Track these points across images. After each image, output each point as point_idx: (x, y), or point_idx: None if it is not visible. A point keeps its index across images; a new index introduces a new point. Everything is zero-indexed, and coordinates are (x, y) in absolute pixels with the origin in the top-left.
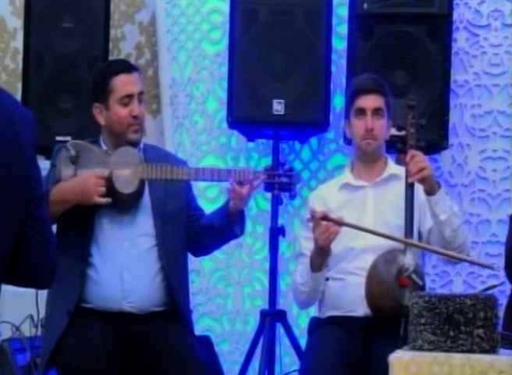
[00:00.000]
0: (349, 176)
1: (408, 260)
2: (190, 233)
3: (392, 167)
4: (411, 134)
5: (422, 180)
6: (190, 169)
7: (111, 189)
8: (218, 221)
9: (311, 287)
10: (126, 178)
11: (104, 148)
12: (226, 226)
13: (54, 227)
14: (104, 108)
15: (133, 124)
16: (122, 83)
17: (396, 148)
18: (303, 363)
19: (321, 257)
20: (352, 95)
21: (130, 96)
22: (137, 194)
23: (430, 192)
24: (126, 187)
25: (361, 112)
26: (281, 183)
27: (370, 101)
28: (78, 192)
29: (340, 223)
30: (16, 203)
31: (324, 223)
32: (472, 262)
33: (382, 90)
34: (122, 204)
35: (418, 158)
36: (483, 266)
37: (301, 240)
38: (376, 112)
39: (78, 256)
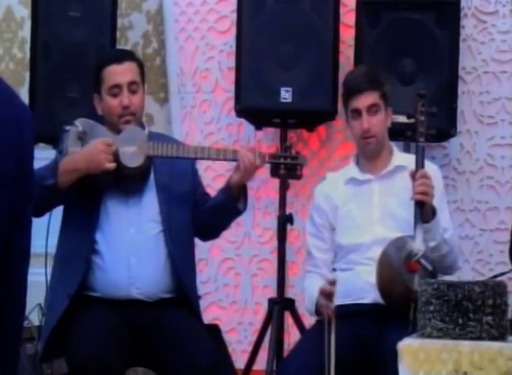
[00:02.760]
0: (354, 169)
1: (417, 245)
2: (196, 217)
3: (398, 157)
4: (421, 122)
5: (420, 203)
6: (196, 147)
7: (117, 165)
8: (221, 198)
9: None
10: (132, 153)
11: None
12: (229, 202)
13: (60, 215)
14: (100, 98)
15: (123, 115)
16: (110, 74)
17: (406, 136)
18: (300, 339)
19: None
20: (346, 97)
21: (118, 86)
22: (143, 170)
23: (424, 220)
24: (132, 161)
25: (356, 112)
26: (287, 164)
27: (363, 101)
28: (88, 159)
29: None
30: (20, 199)
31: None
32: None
33: (374, 84)
34: (129, 180)
35: (425, 181)
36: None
37: (307, 236)
38: (371, 109)
39: (83, 242)
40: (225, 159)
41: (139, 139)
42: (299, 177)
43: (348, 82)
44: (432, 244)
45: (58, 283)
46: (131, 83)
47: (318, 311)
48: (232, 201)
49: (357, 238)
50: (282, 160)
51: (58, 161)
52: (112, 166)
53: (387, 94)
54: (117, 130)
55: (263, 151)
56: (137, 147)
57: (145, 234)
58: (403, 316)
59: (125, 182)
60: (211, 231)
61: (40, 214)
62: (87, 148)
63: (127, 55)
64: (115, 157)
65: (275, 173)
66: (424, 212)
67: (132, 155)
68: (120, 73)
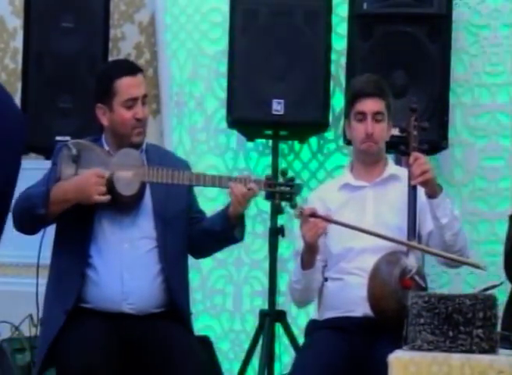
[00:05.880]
0: (349, 176)
1: (411, 262)
2: (190, 235)
3: (393, 167)
4: (414, 137)
5: (424, 183)
6: (192, 174)
7: (111, 190)
8: (218, 225)
9: (304, 284)
10: (127, 180)
11: (107, 148)
12: (226, 230)
13: (53, 227)
14: (108, 109)
15: (136, 127)
16: (127, 86)
17: (399, 150)
18: (298, 356)
19: (310, 254)
20: (352, 98)
21: (135, 99)
22: (138, 197)
23: (432, 195)
24: (126, 189)
25: (362, 115)
26: (282, 193)
27: (370, 105)
28: (78, 191)
29: (328, 220)
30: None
31: (312, 219)
32: (462, 262)
33: (382, 93)
34: (123, 205)
35: (421, 161)
36: (473, 265)
37: (299, 239)
38: (376, 116)
39: (78, 256)
40: (220, 186)
41: (135, 164)
42: (294, 206)
43: (357, 85)
44: (444, 221)
45: (54, 297)
46: (144, 96)
47: (304, 264)
48: (230, 230)
49: (348, 243)
50: (277, 188)
51: (50, 189)
52: (102, 199)
53: (391, 107)
54: (122, 144)
55: (258, 178)
56: (133, 172)
57: (139, 250)
58: (395, 331)
59: (119, 205)
60: (204, 251)
61: (33, 234)
62: (79, 179)
63: (138, 67)
64: (110, 182)
65: (269, 197)
66: (430, 188)
67: (127, 182)
68: (136, 85)
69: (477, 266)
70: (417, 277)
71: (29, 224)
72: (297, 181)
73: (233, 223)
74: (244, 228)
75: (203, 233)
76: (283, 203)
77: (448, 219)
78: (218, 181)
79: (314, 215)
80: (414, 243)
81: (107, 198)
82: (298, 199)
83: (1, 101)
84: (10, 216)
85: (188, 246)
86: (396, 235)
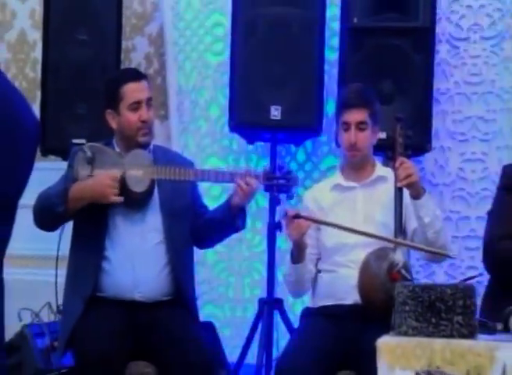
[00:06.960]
0: (340, 177)
1: (398, 257)
2: (195, 227)
3: (380, 169)
4: (399, 144)
5: (409, 185)
6: (197, 170)
7: (124, 188)
8: (221, 215)
9: (295, 277)
10: (138, 178)
11: (117, 149)
12: (229, 219)
13: (70, 223)
14: (116, 114)
15: (142, 128)
16: (132, 91)
17: (386, 155)
18: (291, 339)
19: (298, 250)
20: (338, 108)
21: (139, 102)
22: (148, 193)
23: (416, 196)
24: (138, 186)
25: (346, 125)
26: (279, 185)
27: (353, 116)
28: (94, 191)
29: (311, 220)
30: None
31: (296, 220)
32: (432, 252)
33: (365, 103)
34: (134, 202)
35: (406, 165)
36: (443, 255)
37: None
38: (360, 125)
39: (93, 250)
40: (223, 182)
41: (145, 163)
42: (291, 197)
43: (342, 96)
44: (426, 220)
45: (73, 287)
46: (149, 99)
47: (294, 259)
48: (232, 219)
49: (341, 239)
50: (275, 181)
51: (68, 188)
52: (117, 199)
53: (376, 113)
54: (130, 145)
55: (257, 171)
56: (143, 171)
57: (148, 243)
58: (383, 320)
59: (131, 201)
60: (208, 242)
61: (52, 230)
62: (95, 180)
63: (141, 74)
64: (123, 181)
65: (268, 190)
66: (414, 190)
67: (138, 180)
68: (140, 90)
69: (447, 255)
70: (403, 271)
71: (49, 221)
72: (293, 174)
73: (235, 213)
74: (245, 217)
75: (207, 223)
76: (281, 195)
77: (430, 218)
78: (221, 177)
79: (297, 216)
80: (400, 239)
81: (120, 199)
82: (295, 198)
83: (20, 107)
84: (29, 213)
85: (193, 237)
86: (384, 232)
